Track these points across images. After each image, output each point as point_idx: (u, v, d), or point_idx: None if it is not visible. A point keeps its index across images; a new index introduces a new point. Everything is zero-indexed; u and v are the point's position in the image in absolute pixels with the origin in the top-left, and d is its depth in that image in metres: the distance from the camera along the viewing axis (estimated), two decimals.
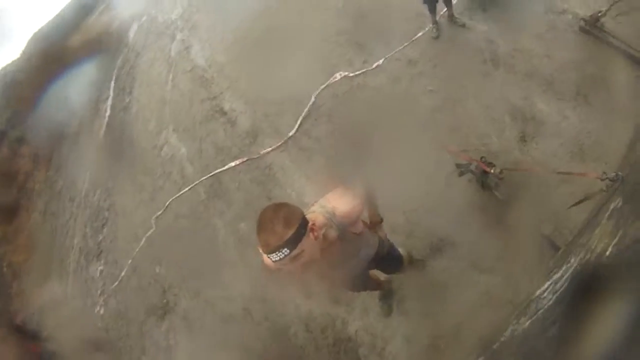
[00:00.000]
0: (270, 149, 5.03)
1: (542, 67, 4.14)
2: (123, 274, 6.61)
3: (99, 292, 7.49)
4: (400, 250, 3.00)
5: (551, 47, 4.23)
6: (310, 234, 1.79)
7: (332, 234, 1.98)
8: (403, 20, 5.37)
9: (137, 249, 6.25)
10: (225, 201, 5.08)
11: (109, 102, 8.60)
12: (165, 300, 5.48)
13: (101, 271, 7.61)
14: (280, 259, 1.71)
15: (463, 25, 4.84)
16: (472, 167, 3.45)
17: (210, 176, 5.32)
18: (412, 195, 3.71)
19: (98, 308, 7.37)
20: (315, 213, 2.01)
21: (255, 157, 5.07)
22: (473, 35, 4.73)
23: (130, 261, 6.42)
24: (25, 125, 12.32)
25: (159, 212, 5.82)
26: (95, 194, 8.33)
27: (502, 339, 2.20)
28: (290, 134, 5.01)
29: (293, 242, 1.70)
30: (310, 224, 1.81)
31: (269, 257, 1.73)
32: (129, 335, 6.05)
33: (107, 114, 8.51)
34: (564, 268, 2.15)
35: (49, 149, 12.93)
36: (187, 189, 5.54)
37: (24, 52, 13.91)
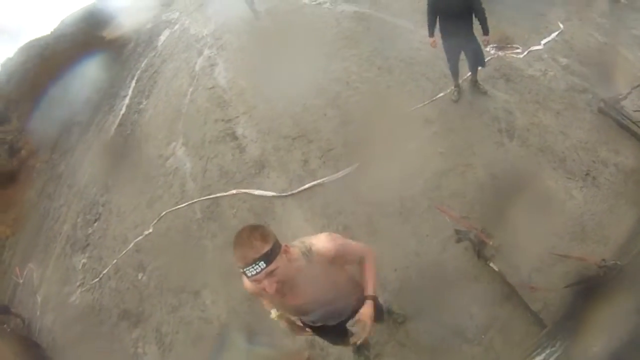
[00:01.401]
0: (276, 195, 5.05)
1: (555, 144, 4.14)
2: (105, 272, 6.56)
3: (77, 283, 7.42)
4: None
5: (568, 124, 4.26)
6: (284, 255, 1.84)
7: (302, 261, 1.98)
8: (425, 79, 5.52)
9: (124, 252, 6.25)
10: (219, 225, 5.13)
11: (126, 101, 8.75)
12: (140, 309, 5.45)
13: (84, 264, 7.56)
14: (257, 273, 1.74)
15: (485, 93, 4.90)
16: (471, 235, 3.47)
17: (210, 198, 5.38)
18: (406, 254, 3.74)
19: (74, 298, 7.33)
20: (293, 245, 2.02)
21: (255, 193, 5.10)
22: (492, 103, 4.78)
23: (114, 261, 6.40)
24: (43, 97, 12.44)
25: (153, 221, 5.83)
26: (94, 186, 8.38)
27: None
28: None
29: (269, 257, 1.74)
30: (284, 245, 1.86)
31: (245, 273, 1.76)
32: (100, 334, 5.94)
33: (122, 112, 8.65)
34: (547, 351, 2.17)
35: (58, 131, 13.07)
36: (184, 204, 5.59)
37: (57, 29, 14.19)
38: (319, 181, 4.83)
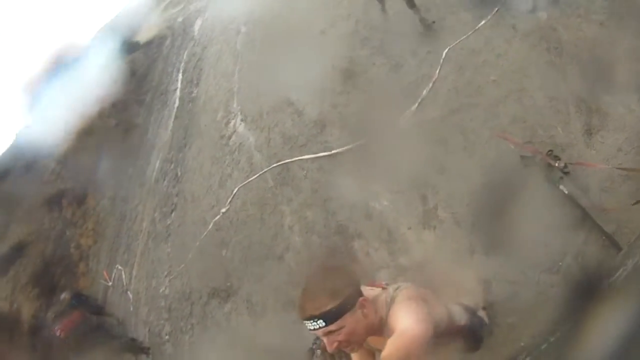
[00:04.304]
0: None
1: (605, 56, 3.82)
2: (190, 256, 6.86)
3: (165, 273, 7.90)
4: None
5: (615, 34, 3.93)
6: (359, 310, 1.58)
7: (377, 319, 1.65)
8: (463, 10, 5.22)
9: (205, 233, 6.49)
10: (293, 188, 5.21)
11: (177, 93, 9.02)
12: (229, 283, 5.67)
13: (168, 253, 7.99)
14: (314, 330, 1.54)
15: (525, 12, 4.67)
16: (537, 160, 3.36)
17: (278, 165, 5.47)
18: (476, 187, 3.63)
19: (163, 289, 7.82)
20: (379, 295, 1.72)
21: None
22: (536, 22, 4.49)
23: (197, 244, 6.67)
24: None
25: (228, 199, 6.03)
26: (164, 180, 8.78)
27: None
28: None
29: (331, 316, 1.51)
30: (361, 298, 1.60)
31: (303, 323, 1.57)
32: (192, 314, 6.33)
33: (176, 105, 8.93)
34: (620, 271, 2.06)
35: (119, 138, 13.80)
36: (255, 176, 5.71)
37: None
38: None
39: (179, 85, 9.16)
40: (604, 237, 2.92)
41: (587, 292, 2.02)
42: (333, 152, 5.04)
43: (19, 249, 13.74)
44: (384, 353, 1.48)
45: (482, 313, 2.30)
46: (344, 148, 4.97)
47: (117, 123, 13.49)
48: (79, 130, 14.68)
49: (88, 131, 14.80)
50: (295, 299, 4.46)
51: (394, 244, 3.91)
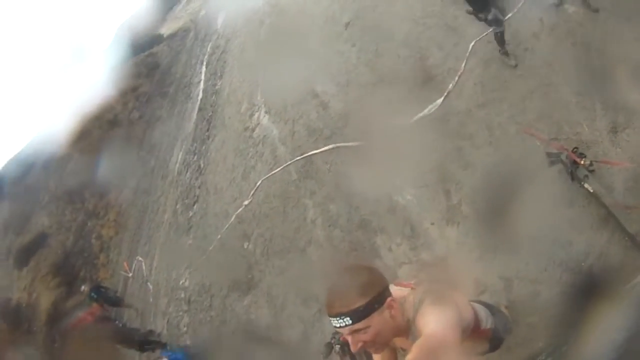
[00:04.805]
0: None
1: (635, 53, 3.66)
2: (211, 248, 6.86)
3: (185, 265, 7.94)
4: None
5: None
6: (386, 311, 1.53)
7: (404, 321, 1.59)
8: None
9: (227, 225, 6.49)
10: (316, 181, 5.15)
11: (201, 86, 9.05)
12: (250, 276, 5.64)
13: (190, 245, 8.02)
14: (340, 327, 1.50)
15: (555, 5, 4.50)
16: (563, 157, 3.25)
17: (302, 157, 5.42)
18: (502, 182, 3.55)
19: (183, 280, 7.86)
20: (407, 296, 1.66)
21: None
22: (563, 16, 4.32)
23: (219, 236, 6.67)
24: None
25: (251, 191, 6.01)
26: (187, 172, 8.84)
27: None
28: None
29: (359, 314, 1.47)
30: (390, 298, 1.55)
31: (330, 319, 1.52)
32: (211, 307, 6.35)
33: (199, 97, 8.97)
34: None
35: (142, 131, 14.01)
36: (278, 169, 5.68)
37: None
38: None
39: (202, 77, 9.19)
40: (626, 238, 2.86)
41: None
42: (357, 144, 4.95)
43: (40, 240, 14.06)
44: (409, 357, 1.38)
45: (504, 310, 2.23)
46: (368, 141, 4.89)
47: (141, 115, 13.70)
48: (102, 122, 14.98)
49: (112, 124, 15.09)
50: (316, 293, 4.48)
51: (417, 240, 3.85)
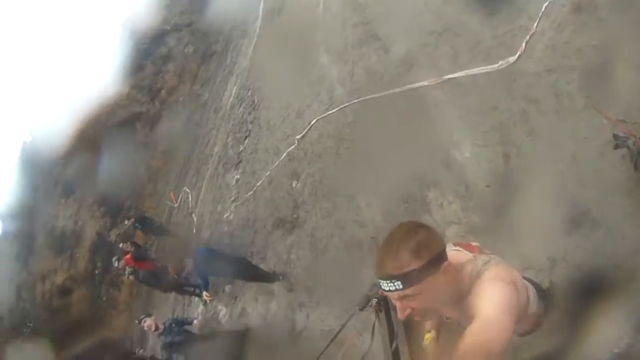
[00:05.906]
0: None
1: None
2: (259, 184, 7.07)
3: (231, 199, 8.18)
4: None
5: None
6: (441, 276, 1.38)
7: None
8: None
9: (277, 162, 6.61)
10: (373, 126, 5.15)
11: (258, 22, 8.97)
12: (295, 215, 5.75)
13: (237, 180, 8.25)
14: (389, 291, 1.38)
15: None
16: (630, 143, 2.95)
17: (360, 100, 5.38)
18: (564, 155, 3.28)
19: (228, 214, 8.11)
20: (465, 263, 1.51)
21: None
22: None
23: (268, 173, 6.82)
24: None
25: (304, 129, 6.06)
26: (240, 107, 8.95)
27: None
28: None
29: (411, 278, 1.34)
30: (446, 262, 1.41)
31: (378, 281, 1.41)
32: (253, 243, 6.59)
33: (256, 33, 8.92)
34: None
35: (196, 65, 14.21)
36: (335, 109, 5.63)
37: None
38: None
39: (260, 14, 9.08)
40: None
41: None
42: (418, 87, 4.78)
43: (87, 171, 14.27)
44: (461, 346, 1.27)
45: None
46: (428, 91, 4.78)
47: (195, 50, 13.82)
48: (154, 58, 15.19)
49: (165, 58, 15.32)
50: (360, 240, 4.54)
51: (469, 200, 3.69)
